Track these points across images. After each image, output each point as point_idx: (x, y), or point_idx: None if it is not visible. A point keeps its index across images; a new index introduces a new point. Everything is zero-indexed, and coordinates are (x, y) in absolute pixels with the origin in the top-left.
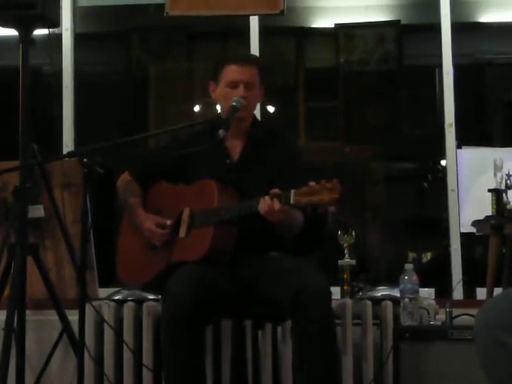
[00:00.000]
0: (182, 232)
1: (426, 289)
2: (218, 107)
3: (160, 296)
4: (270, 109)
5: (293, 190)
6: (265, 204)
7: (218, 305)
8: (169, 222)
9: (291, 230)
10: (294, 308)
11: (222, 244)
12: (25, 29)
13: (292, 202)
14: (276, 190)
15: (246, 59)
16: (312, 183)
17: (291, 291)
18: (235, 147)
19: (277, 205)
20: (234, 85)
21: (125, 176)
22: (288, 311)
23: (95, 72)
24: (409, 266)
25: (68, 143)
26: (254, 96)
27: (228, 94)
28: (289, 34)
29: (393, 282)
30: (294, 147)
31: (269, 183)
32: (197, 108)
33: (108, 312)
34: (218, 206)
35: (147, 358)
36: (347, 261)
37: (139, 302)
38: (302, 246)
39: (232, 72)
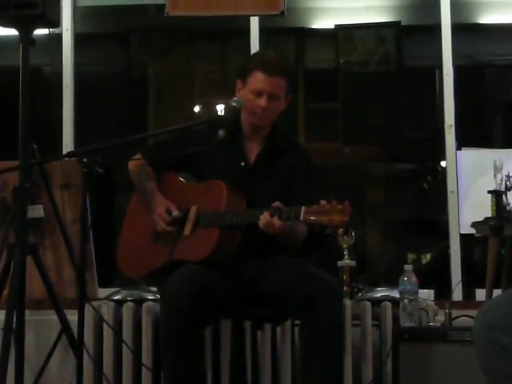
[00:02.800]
0: (187, 230)
1: (426, 290)
2: (218, 107)
3: (158, 291)
4: None
5: (303, 207)
6: (264, 220)
7: (217, 305)
8: (175, 213)
9: (293, 242)
10: (305, 308)
11: (225, 247)
12: (25, 29)
13: (301, 218)
14: (278, 204)
15: (275, 69)
16: (323, 202)
17: (304, 291)
18: (252, 150)
19: (277, 222)
20: (258, 93)
21: (137, 159)
22: (297, 311)
23: (95, 72)
24: (408, 267)
25: (68, 143)
26: (276, 107)
27: (251, 101)
28: (289, 35)
29: (392, 283)
30: (308, 157)
31: (281, 191)
32: (196, 108)
33: (107, 312)
34: (225, 210)
35: (146, 357)
36: (347, 261)
37: (138, 302)
38: (304, 251)
39: (259, 81)
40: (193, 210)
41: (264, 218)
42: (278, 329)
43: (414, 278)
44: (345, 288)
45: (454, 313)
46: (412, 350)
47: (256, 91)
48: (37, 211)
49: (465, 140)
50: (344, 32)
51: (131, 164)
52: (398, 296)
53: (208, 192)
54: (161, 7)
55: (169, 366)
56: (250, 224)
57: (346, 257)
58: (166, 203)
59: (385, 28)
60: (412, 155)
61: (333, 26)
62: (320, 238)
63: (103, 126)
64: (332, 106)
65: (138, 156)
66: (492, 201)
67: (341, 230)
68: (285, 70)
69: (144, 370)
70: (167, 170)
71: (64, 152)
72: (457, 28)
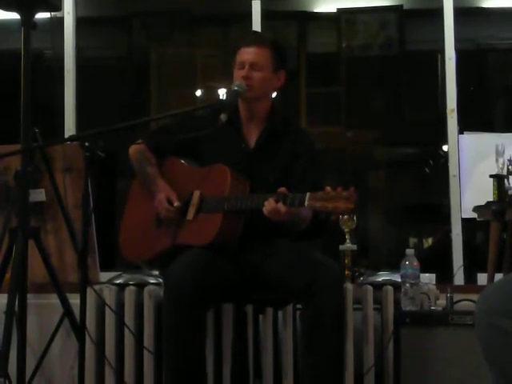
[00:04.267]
0: (190, 215)
1: (427, 274)
2: (220, 91)
3: (160, 273)
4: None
5: (308, 194)
6: (269, 206)
7: (220, 289)
8: (176, 204)
9: (297, 226)
10: (308, 293)
11: (228, 232)
12: (26, 12)
13: (306, 205)
14: (283, 189)
15: (254, 40)
16: (328, 189)
17: (306, 276)
18: (252, 133)
19: (282, 209)
20: (241, 65)
21: (138, 145)
22: (300, 296)
23: (97, 56)
24: (410, 252)
25: (69, 127)
26: (260, 77)
27: (236, 74)
28: (291, 19)
29: (394, 267)
30: (310, 141)
31: (282, 174)
32: (198, 93)
33: (109, 296)
34: (229, 195)
35: (148, 341)
36: (348, 246)
37: (140, 286)
38: (307, 236)
39: (240, 54)
40: (196, 194)
41: (269, 204)
42: (280, 313)
43: (415, 262)
44: (346, 272)
45: (456, 297)
46: (413, 334)
47: (239, 65)
48: (39, 195)
49: (467, 124)
50: (346, 16)
51: (132, 149)
52: (399, 280)
53: (211, 176)
54: None
55: (170, 348)
56: (255, 209)
57: (348, 241)
58: (166, 191)
59: (387, 12)
60: (414, 139)
61: (335, 10)
62: (324, 224)
63: (105, 111)
64: (334, 90)
65: (140, 142)
66: (494, 185)
67: (346, 216)
68: (266, 40)
69: (146, 353)
70: (168, 155)
71: (66, 136)
72: (459, 12)
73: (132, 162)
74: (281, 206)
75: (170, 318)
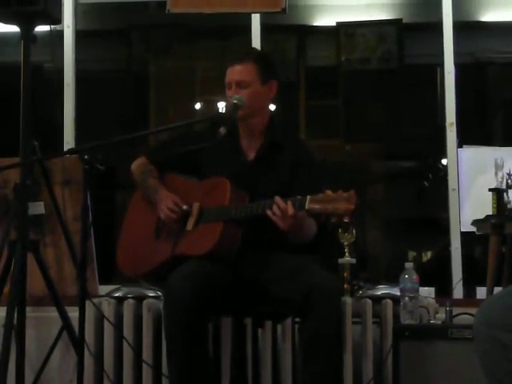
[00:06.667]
0: (190, 225)
1: (426, 288)
2: (219, 105)
3: (158, 287)
4: (271, 107)
5: (308, 196)
6: (277, 207)
7: (219, 301)
8: (185, 207)
9: (302, 237)
10: (305, 306)
11: (228, 243)
12: (26, 25)
13: (307, 207)
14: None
15: (236, 58)
16: (328, 191)
17: (303, 289)
18: (251, 147)
19: (290, 209)
20: (229, 86)
21: (140, 160)
22: (298, 309)
23: (96, 69)
24: (409, 265)
25: (69, 140)
26: (248, 94)
27: (226, 95)
28: (290, 32)
29: (393, 280)
30: (310, 152)
31: (282, 186)
32: (197, 105)
33: (108, 309)
34: (229, 205)
35: (147, 354)
36: (347, 259)
37: (139, 299)
38: (306, 246)
39: (227, 74)
40: (195, 205)
41: (276, 205)
42: (279, 326)
43: (414, 276)
44: (345, 286)
45: (455, 310)
46: (412, 347)
47: (227, 85)
48: (38, 208)
49: (466, 138)
50: (345, 29)
51: (134, 164)
52: (398, 294)
53: (211, 189)
54: (162, 4)
55: (173, 361)
56: (254, 216)
57: (347, 254)
58: (170, 197)
59: (386, 25)
60: (413, 153)
61: (334, 24)
62: (324, 228)
63: (104, 123)
64: (333, 103)
65: (142, 158)
66: (493, 199)
67: (346, 218)
68: (249, 55)
69: (145, 366)
70: (169, 170)
71: (65, 149)
72: (458, 26)
73: (134, 175)
74: (290, 206)
75: (170, 328)
